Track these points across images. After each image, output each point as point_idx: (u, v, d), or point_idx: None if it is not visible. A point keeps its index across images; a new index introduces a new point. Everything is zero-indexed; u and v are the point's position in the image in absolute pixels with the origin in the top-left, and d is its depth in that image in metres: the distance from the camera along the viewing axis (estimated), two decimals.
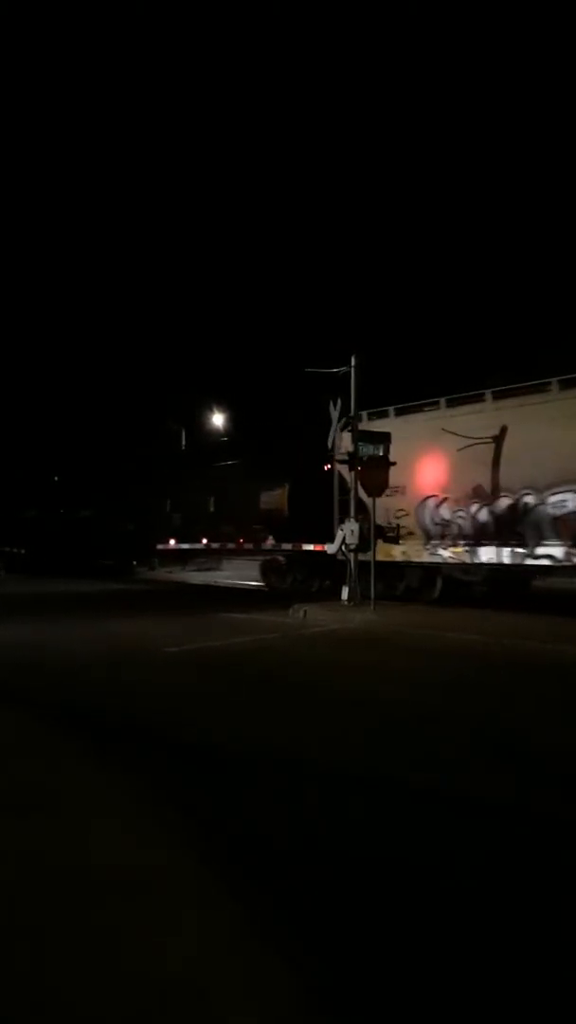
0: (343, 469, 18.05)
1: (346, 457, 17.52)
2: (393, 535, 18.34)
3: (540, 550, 15.56)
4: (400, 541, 18.17)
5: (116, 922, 3.49)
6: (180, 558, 28.81)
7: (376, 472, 16.85)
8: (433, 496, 17.71)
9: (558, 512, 15.26)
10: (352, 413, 17.73)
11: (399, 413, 18.73)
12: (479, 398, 16.92)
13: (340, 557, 17.59)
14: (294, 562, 21.55)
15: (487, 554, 16.43)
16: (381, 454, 17.15)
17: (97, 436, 37.88)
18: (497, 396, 16.65)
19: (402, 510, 18.15)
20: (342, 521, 17.68)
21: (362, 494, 17.13)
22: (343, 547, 17.43)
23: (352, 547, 17.14)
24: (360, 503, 17.74)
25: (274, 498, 22.40)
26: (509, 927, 3.50)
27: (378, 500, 16.99)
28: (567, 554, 15.10)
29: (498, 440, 16.40)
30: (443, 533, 17.42)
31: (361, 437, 17.34)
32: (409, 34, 42.19)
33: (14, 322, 40.64)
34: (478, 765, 5.92)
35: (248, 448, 28.31)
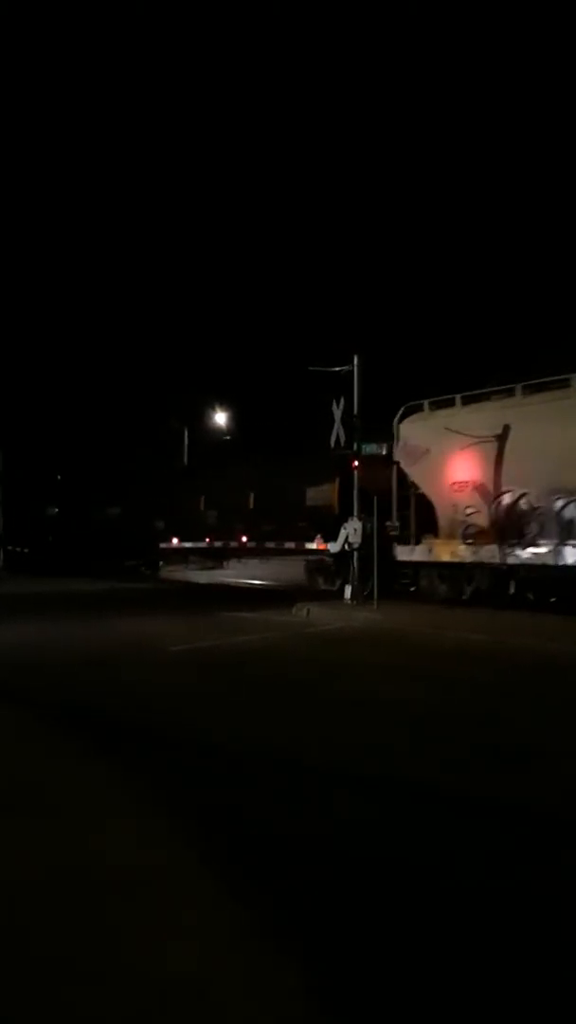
0: (404, 462, 17.33)
1: (405, 450, 16.83)
2: (396, 532, 18.15)
3: None
4: (470, 541, 16.40)
5: (116, 922, 3.49)
6: (214, 556, 27.12)
7: (377, 470, 16.82)
8: (508, 491, 15.77)
9: None
10: (355, 412, 17.71)
11: (466, 402, 16.92)
12: (564, 384, 15.07)
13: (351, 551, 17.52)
14: (344, 562, 19.39)
15: (574, 556, 14.66)
16: (384, 453, 17.18)
17: (103, 435, 37.81)
18: None
19: (472, 507, 16.36)
20: (414, 517, 16.81)
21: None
22: (346, 545, 17.44)
23: (355, 546, 17.14)
24: (422, 498, 17.13)
25: (322, 494, 20.82)
26: (509, 927, 3.49)
27: (445, 497, 16.35)
28: None
29: None
30: (521, 532, 15.56)
31: (364, 437, 17.37)
32: (409, 34, 42.14)
33: (26, 319, 40.67)
34: (478, 765, 5.91)
35: (291, 441, 26.78)
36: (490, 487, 16.00)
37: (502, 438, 15.74)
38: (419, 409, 17.69)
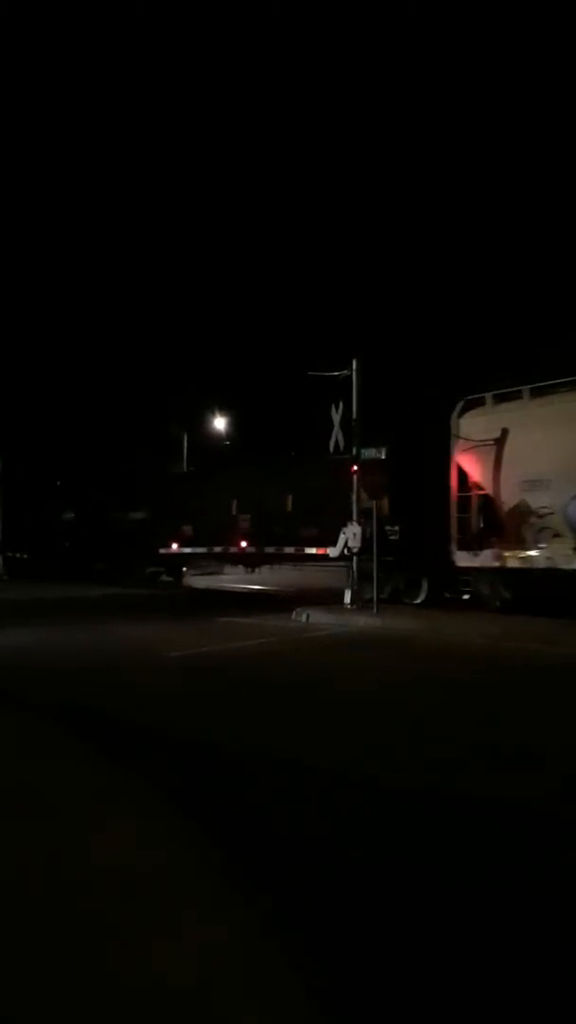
0: (464, 460, 16.42)
1: (465, 447, 15.97)
2: (395, 537, 18.05)
3: None
4: (543, 545, 15.22)
5: (116, 922, 3.48)
6: (253, 561, 25.15)
7: (375, 474, 16.81)
8: None
9: None
10: (354, 417, 17.73)
11: (536, 394, 15.75)
12: None
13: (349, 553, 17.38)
14: (396, 568, 18.27)
15: None
16: (383, 457, 17.18)
17: (103, 439, 37.78)
18: None
19: (546, 508, 15.08)
20: (476, 520, 15.96)
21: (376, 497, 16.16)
22: (345, 549, 17.44)
23: (354, 550, 17.15)
24: (484, 499, 16.13)
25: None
26: (509, 927, 3.49)
27: (514, 497, 15.39)
28: None
29: None
30: None
31: (363, 441, 17.38)
32: (409, 34, 42.28)
33: (25, 324, 40.72)
34: (478, 766, 5.91)
35: (291, 445, 25.91)
36: (568, 485, 14.54)
37: None
38: (480, 403, 16.44)
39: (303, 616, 16.11)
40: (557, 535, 14.93)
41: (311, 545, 20.59)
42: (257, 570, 25.49)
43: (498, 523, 16.00)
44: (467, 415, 16.77)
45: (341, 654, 11.92)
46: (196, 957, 3.20)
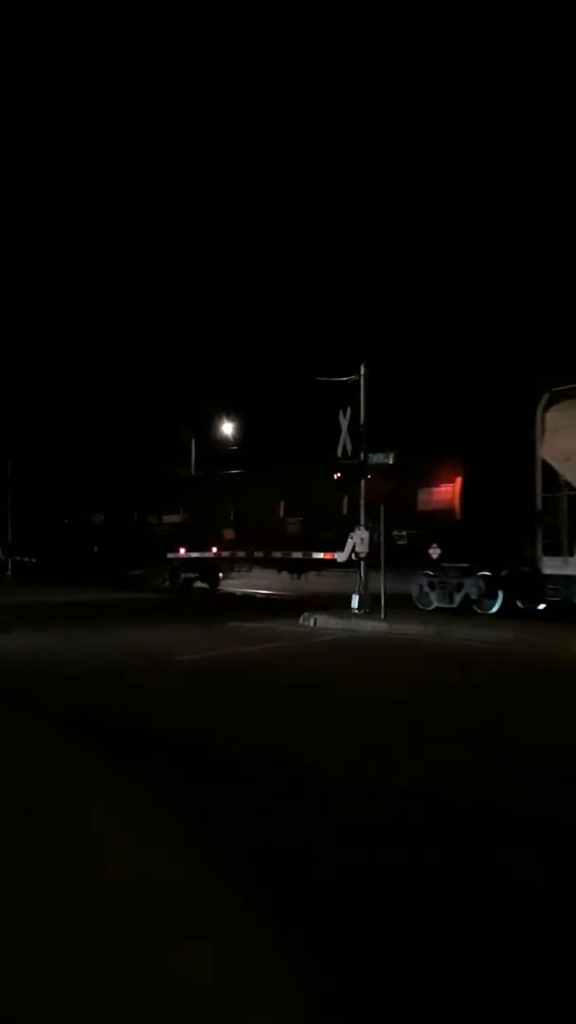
0: (552, 457, 15.00)
1: (554, 443, 14.49)
2: (403, 542, 17.99)
3: None
4: None
5: (116, 922, 3.49)
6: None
7: (382, 480, 16.75)
8: None
9: None
10: (362, 422, 17.73)
11: None
12: None
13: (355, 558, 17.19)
14: (469, 574, 16.95)
15: None
16: (390, 462, 17.16)
17: (112, 443, 37.78)
18: None
19: None
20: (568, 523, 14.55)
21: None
22: (353, 554, 17.43)
23: (362, 555, 17.15)
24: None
25: (441, 496, 17.45)
26: (509, 927, 3.49)
27: None
28: None
29: None
30: None
31: (370, 446, 17.36)
32: (409, 35, 42.30)
33: (34, 330, 40.87)
34: (481, 768, 5.91)
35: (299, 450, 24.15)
36: None
37: None
38: (572, 395, 15.07)
39: (311, 620, 16.11)
40: None
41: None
42: (304, 577, 23.24)
43: None
44: (555, 408, 15.26)
45: (347, 658, 11.93)
46: (196, 957, 3.21)
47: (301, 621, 16.23)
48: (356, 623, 15.61)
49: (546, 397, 15.52)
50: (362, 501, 17.43)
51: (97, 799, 5.13)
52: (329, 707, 8.17)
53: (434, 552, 17.10)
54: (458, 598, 16.83)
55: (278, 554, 22.48)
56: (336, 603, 17.39)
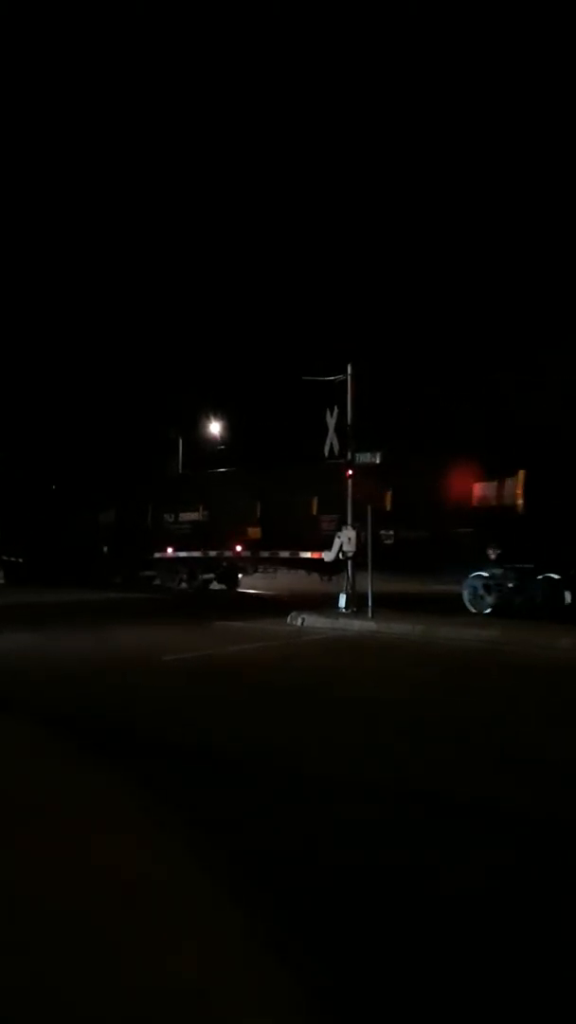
0: None
1: None
2: (390, 541, 18.01)
3: None
4: None
5: (116, 923, 3.47)
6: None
7: (369, 480, 16.77)
8: None
9: None
10: (349, 421, 17.76)
11: None
12: None
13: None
14: (534, 575, 15.48)
15: None
16: (377, 462, 17.19)
17: (101, 442, 37.54)
18: None
19: None
20: None
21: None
22: (340, 554, 17.46)
23: (350, 554, 17.18)
24: None
25: (502, 490, 16.04)
26: (508, 928, 3.50)
27: None
28: None
29: None
30: None
31: (358, 446, 17.40)
32: (408, 34, 42.35)
33: (20, 330, 40.62)
34: (480, 768, 5.93)
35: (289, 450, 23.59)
36: None
37: None
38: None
39: (298, 620, 16.13)
40: None
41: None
42: (335, 578, 21.43)
43: None
44: None
45: (336, 657, 11.95)
46: (196, 957, 3.20)
47: (289, 620, 16.24)
48: (344, 622, 15.63)
49: None
50: (349, 500, 17.45)
51: (96, 799, 5.11)
52: (327, 707, 8.18)
53: (492, 552, 16.03)
54: (519, 600, 15.52)
55: (307, 554, 21.34)
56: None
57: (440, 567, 17.19)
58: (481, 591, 16.22)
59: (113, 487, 31.11)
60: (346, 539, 17.21)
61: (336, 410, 18.14)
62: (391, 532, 17.93)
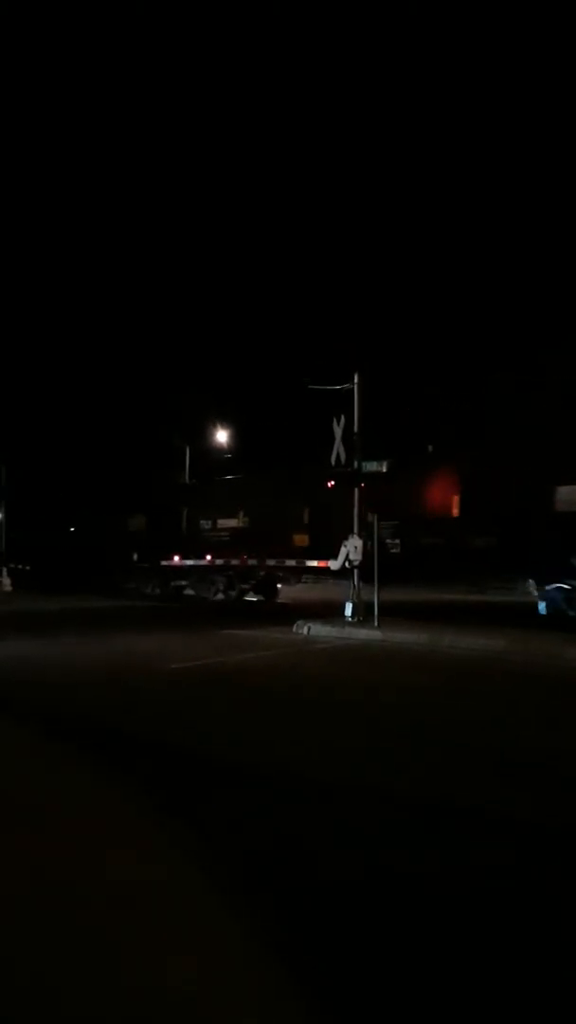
0: None
1: None
2: (396, 550, 17.94)
3: None
4: None
5: (116, 923, 3.49)
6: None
7: (377, 488, 16.77)
8: None
9: None
10: (356, 431, 17.79)
11: None
12: None
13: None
14: None
15: None
16: (384, 470, 17.20)
17: (111, 449, 37.59)
18: None
19: None
20: None
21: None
22: (347, 562, 17.45)
23: (355, 563, 17.17)
24: None
25: None
26: (507, 928, 3.50)
27: None
28: None
29: None
30: None
31: (364, 455, 17.42)
32: (409, 34, 42.59)
33: (28, 339, 40.91)
34: (481, 773, 5.91)
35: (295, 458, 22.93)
36: None
37: None
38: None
39: (304, 628, 16.11)
40: None
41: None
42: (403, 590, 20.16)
43: None
44: None
45: (340, 665, 11.92)
46: (195, 958, 3.21)
47: (295, 629, 16.23)
48: (350, 631, 15.61)
49: None
50: (355, 509, 17.45)
51: (96, 799, 5.12)
52: (329, 712, 8.18)
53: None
54: None
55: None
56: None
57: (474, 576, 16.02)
58: (562, 603, 14.91)
59: (125, 494, 30.92)
60: (352, 548, 17.21)
61: (343, 419, 18.18)
62: (397, 541, 17.87)
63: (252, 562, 22.49)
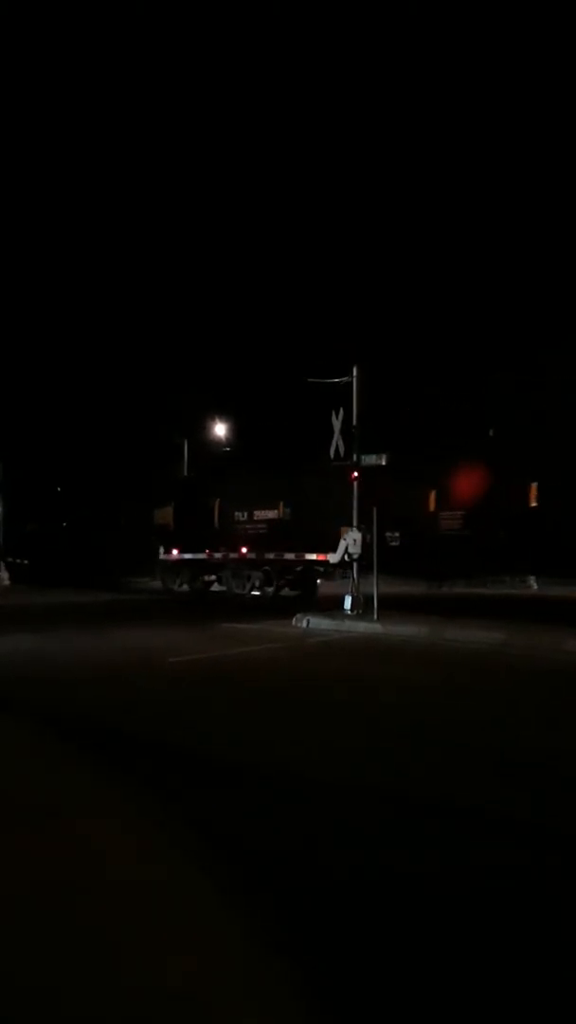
0: None
1: None
2: (395, 543, 17.89)
3: None
4: None
5: (116, 922, 3.49)
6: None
7: (375, 481, 16.74)
8: None
9: None
10: (354, 423, 17.75)
11: None
12: None
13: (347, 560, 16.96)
14: None
15: None
16: (383, 463, 17.17)
17: (108, 444, 37.49)
18: None
19: None
20: None
21: None
22: (346, 555, 17.44)
23: (355, 556, 17.17)
24: None
25: None
26: (507, 927, 3.51)
27: None
28: None
29: None
30: None
31: (363, 448, 17.39)
32: (409, 34, 42.37)
33: (24, 332, 40.77)
34: (481, 772, 5.92)
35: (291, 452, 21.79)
36: None
37: None
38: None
39: (303, 622, 16.11)
40: None
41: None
42: (446, 584, 19.61)
43: None
44: None
45: (339, 660, 11.93)
46: (196, 957, 3.21)
47: (294, 622, 16.23)
48: (349, 624, 15.61)
49: None
50: (354, 501, 17.43)
51: (96, 799, 5.12)
52: (328, 710, 8.18)
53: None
54: None
55: (313, 556, 19.42)
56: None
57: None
58: None
59: (121, 491, 30.57)
60: (351, 541, 17.20)
61: (342, 412, 18.13)
62: (396, 534, 17.80)
63: (290, 556, 21.31)
